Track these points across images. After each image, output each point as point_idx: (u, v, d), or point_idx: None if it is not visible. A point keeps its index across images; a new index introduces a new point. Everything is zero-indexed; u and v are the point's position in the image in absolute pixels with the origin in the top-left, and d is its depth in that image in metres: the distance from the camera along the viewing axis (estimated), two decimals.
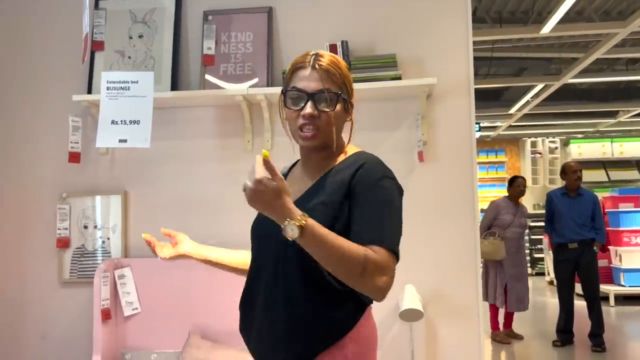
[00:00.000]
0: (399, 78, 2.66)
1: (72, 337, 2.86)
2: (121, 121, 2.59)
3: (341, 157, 1.45)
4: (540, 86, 7.93)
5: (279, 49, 2.87)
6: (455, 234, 2.72)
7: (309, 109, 1.36)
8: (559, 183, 9.29)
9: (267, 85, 2.74)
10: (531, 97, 8.41)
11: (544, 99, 8.36)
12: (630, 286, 7.62)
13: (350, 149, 1.48)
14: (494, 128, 11.08)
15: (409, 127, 2.78)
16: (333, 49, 2.68)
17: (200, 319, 2.69)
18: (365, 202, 1.33)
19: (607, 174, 11.28)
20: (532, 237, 10.90)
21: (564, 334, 5.36)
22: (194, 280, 2.70)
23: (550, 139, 11.91)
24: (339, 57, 1.46)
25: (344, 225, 1.33)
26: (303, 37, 2.85)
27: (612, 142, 11.34)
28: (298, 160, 1.58)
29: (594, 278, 5.26)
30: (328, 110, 1.38)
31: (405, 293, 2.53)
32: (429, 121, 2.74)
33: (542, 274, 10.47)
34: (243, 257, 1.65)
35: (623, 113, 9.70)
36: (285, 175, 1.57)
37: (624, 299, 7.74)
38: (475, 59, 2.81)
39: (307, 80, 1.38)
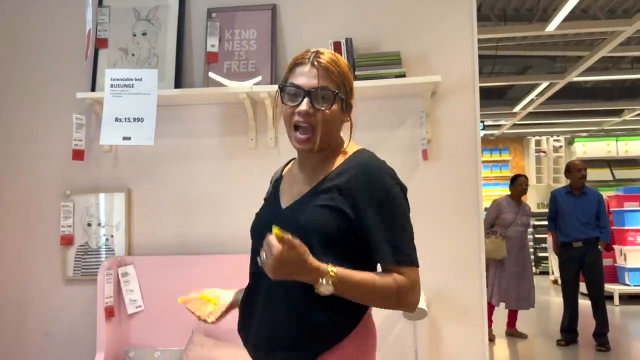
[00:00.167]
0: (403, 75, 2.65)
1: (76, 335, 2.87)
2: (125, 119, 2.59)
3: (340, 158, 1.41)
4: (544, 84, 7.89)
5: (282, 46, 2.86)
6: (460, 232, 2.71)
7: (304, 105, 1.35)
8: (564, 182, 9.26)
9: (271, 83, 2.74)
10: (536, 96, 8.37)
11: (549, 97, 8.32)
12: (634, 285, 7.60)
13: (351, 148, 1.45)
14: (498, 126, 11.04)
15: (413, 125, 2.77)
16: (337, 46, 2.68)
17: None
18: (381, 219, 1.31)
19: (612, 173, 11.23)
20: (536, 236, 10.86)
21: (568, 333, 5.34)
22: (197, 278, 2.69)
23: (555, 137, 11.87)
24: (340, 56, 1.43)
25: (350, 230, 1.32)
26: (307, 35, 2.84)
27: (617, 140, 11.29)
28: (294, 159, 1.56)
29: (598, 277, 5.24)
30: (323, 108, 1.35)
31: None
32: (433, 119, 2.73)
33: (546, 272, 10.44)
34: None
35: (628, 112, 9.65)
36: (281, 174, 1.55)
37: (629, 298, 7.71)
38: (480, 57, 2.80)
39: (305, 77, 1.36)
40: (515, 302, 5.47)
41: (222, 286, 1.53)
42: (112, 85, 2.61)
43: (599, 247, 5.22)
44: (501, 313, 5.82)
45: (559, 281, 5.79)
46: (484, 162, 11.01)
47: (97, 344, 2.60)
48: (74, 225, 2.92)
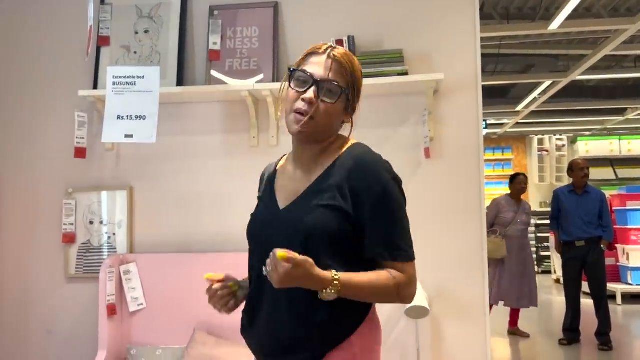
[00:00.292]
0: (406, 73, 2.64)
1: (78, 332, 2.87)
2: (127, 116, 2.59)
3: (335, 153, 1.40)
4: (547, 83, 7.87)
5: (285, 44, 2.85)
6: (462, 231, 2.71)
7: (310, 93, 1.34)
8: (566, 181, 9.24)
9: (273, 81, 2.73)
10: (538, 94, 8.36)
11: (552, 96, 8.30)
12: (637, 284, 7.58)
13: (345, 141, 1.44)
14: (500, 125, 11.02)
15: (415, 123, 2.77)
16: (339, 44, 2.67)
17: (206, 315, 2.68)
18: (377, 215, 1.31)
19: (615, 172, 11.21)
20: (539, 235, 10.85)
21: (571, 332, 5.33)
22: (199, 276, 2.68)
23: (558, 136, 11.84)
24: (356, 59, 1.42)
25: (350, 228, 1.32)
26: (309, 32, 2.83)
27: (619, 139, 11.26)
28: (284, 156, 1.54)
29: (601, 276, 5.22)
30: (328, 101, 1.35)
31: None
32: (435, 117, 2.72)
33: (549, 272, 10.43)
34: None
35: (631, 110, 9.63)
36: (274, 171, 1.51)
37: (631, 298, 7.70)
38: (482, 55, 2.79)
39: (317, 66, 1.36)
40: (516, 301, 5.46)
41: None
42: (114, 83, 2.61)
43: (602, 246, 5.20)
44: (503, 312, 5.82)
45: (562, 280, 5.78)
46: (486, 160, 10.97)
47: (99, 341, 2.60)
48: (76, 223, 2.92)
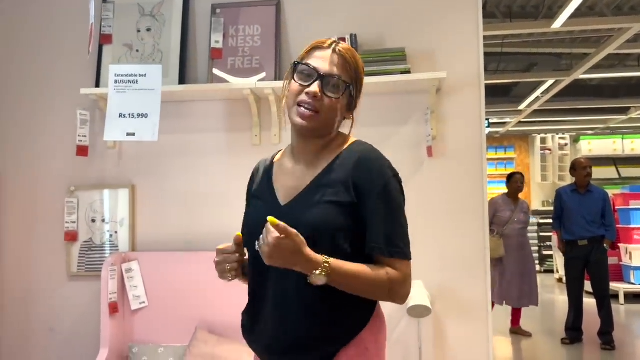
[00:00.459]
0: (408, 72, 2.64)
1: (80, 330, 2.87)
2: (129, 114, 2.59)
3: (337, 150, 1.40)
4: (550, 82, 7.86)
5: (287, 42, 2.85)
6: (464, 230, 2.70)
7: (315, 87, 1.33)
8: (569, 180, 9.21)
9: (275, 79, 2.73)
10: (541, 93, 8.34)
11: (554, 95, 8.29)
12: None
13: (345, 138, 1.43)
14: (503, 124, 11.00)
15: (418, 121, 2.76)
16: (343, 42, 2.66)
17: (208, 314, 2.68)
18: (378, 211, 1.31)
19: (618, 171, 11.18)
20: (541, 234, 10.83)
21: (573, 331, 5.33)
22: (201, 275, 2.69)
23: (560, 135, 11.82)
24: (359, 56, 1.42)
25: (353, 224, 1.31)
26: (312, 31, 2.83)
27: (622, 138, 11.23)
28: (280, 151, 1.53)
29: (603, 275, 5.22)
30: (332, 96, 1.35)
31: (414, 289, 2.51)
32: (438, 116, 2.72)
33: (551, 271, 10.42)
34: None
35: (634, 109, 9.60)
36: (270, 166, 1.49)
37: (634, 297, 7.68)
38: (485, 54, 2.78)
39: (322, 61, 1.36)
40: (517, 300, 5.45)
41: (225, 282, 1.51)
42: (116, 81, 2.61)
43: (605, 245, 5.19)
44: (505, 311, 5.81)
45: (564, 279, 5.76)
46: (489, 159, 10.96)
47: (101, 339, 2.61)
48: (78, 221, 2.92)
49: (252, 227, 1.41)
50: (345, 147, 1.40)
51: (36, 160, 3.00)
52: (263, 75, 2.76)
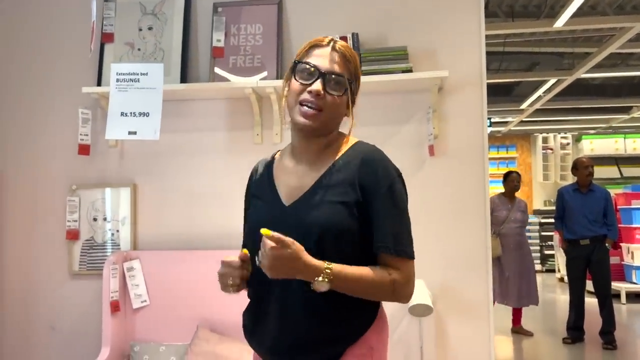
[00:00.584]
0: (410, 70, 2.63)
1: (81, 329, 2.88)
2: (130, 113, 2.59)
3: (339, 150, 1.40)
4: (552, 81, 7.84)
5: (288, 41, 2.85)
6: (466, 229, 2.70)
7: (317, 85, 1.33)
8: (571, 179, 9.18)
9: (277, 78, 2.72)
10: (543, 92, 8.32)
11: (556, 94, 8.27)
12: None
13: (348, 140, 1.43)
14: (505, 123, 10.99)
15: (419, 120, 2.76)
16: (343, 41, 2.65)
17: (209, 312, 2.68)
18: (385, 211, 1.32)
19: (620, 171, 11.16)
20: (543, 233, 10.82)
21: (575, 331, 5.32)
22: (202, 273, 2.68)
23: (562, 134, 11.80)
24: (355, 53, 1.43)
25: (359, 225, 1.32)
26: (313, 29, 2.82)
27: (625, 138, 11.21)
28: (279, 151, 1.52)
29: (605, 275, 5.21)
30: (335, 93, 1.34)
31: (415, 288, 2.51)
32: (440, 115, 2.71)
33: (553, 270, 10.40)
34: None
35: (636, 109, 9.58)
36: (270, 167, 1.48)
37: (636, 297, 7.67)
38: (487, 53, 2.78)
39: (322, 59, 1.36)
40: (516, 300, 5.45)
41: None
42: (117, 80, 2.61)
43: (607, 245, 5.19)
44: (506, 310, 5.81)
45: (565, 279, 5.76)
46: (490, 159, 10.95)
47: (103, 338, 2.61)
48: (80, 220, 2.92)
49: (254, 228, 1.39)
50: (348, 147, 1.40)
51: (38, 159, 3.01)
52: (264, 74, 2.76)
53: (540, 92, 8.28)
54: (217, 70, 2.82)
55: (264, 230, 1.19)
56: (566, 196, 5.34)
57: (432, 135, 2.67)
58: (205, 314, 2.66)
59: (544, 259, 10.80)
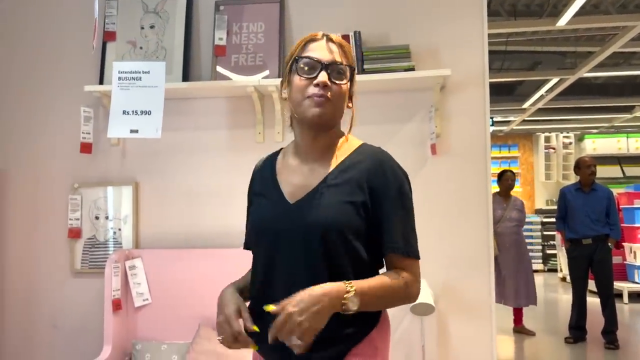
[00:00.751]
0: (412, 69, 2.63)
1: (83, 327, 2.88)
2: (132, 111, 2.59)
3: (345, 150, 1.39)
4: (554, 80, 7.82)
5: (290, 39, 2.84)
6: (468, 228, 2.69)
7: (323, 76, 1.32)
8: (573, 179, 9.18)
9: (279, 77, 2.72)
10: (545, 92, 8.31)
11: (559, 93, 8.26)
12: None
13: (352, 141, 1.43)
14: (507, 123, 10.97)
15: (422, 119, 2.75)
16: (345, 39, 2.63)
17: (211, 311, 2.66)
18: (394, 212, 1.33)
19: (622, 170, 11.14)
20: (545, 233, 10.80)
21: (577, 330, 5.31)
22: (204, 272, 2.69)
23: (565, 134, 11.79)
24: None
25: (365, 225, 1.32)
26: (315, 28, 2.76)
27: (627, 137, 11.20)
28: (281, 150, 1.51)
29: (608, 274, 5.20)
30: (340, 82, 1.35)
31: None
32: (442, 113, 2.71)
33: (555, 270, 10.39)
34: None
35: (639, 108, 9.57)
36: (273, 165, 1.47)
37: (638, 296, 7.66)
38: (489, 52, 2.77)
39: (321, 51, 1.36)
40: (513, 300, 5.44)
41: (233, 278, 1.50)
42: (119, 78, 2.61)
43: (609, 244, 5.18)
44: (508, 310, 5.80)
45: (568, 278, 5.75)
46: (492, 158, 10.93)
47: (105, 336, 2.61)
48: (82, 218, 2.92)
49: (257, 226, 1.40)
50: (354, 149, 1.40)
51: (40, 158, 3.01)
52: (267, 72, 2.76)
53: (542, 91, 8.27)
54: (219, 68, 2.81)
55: (267, 307, 1.17)
56: (568, 196, 5.34)
57: (435, 134, 2.67)
58: (207, 312, 2.66)
59: (546, 258, 10.79)
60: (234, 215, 2.79)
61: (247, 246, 1.49)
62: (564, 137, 11.78)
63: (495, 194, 5.66)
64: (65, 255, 2.94)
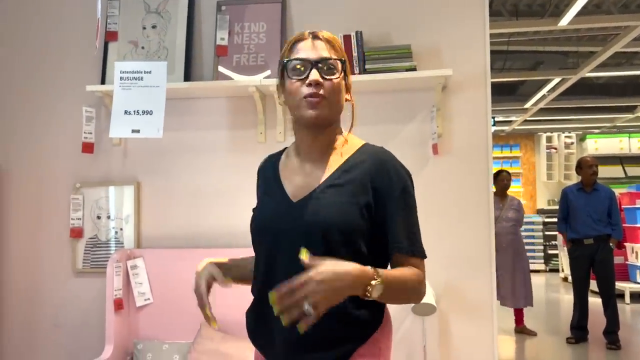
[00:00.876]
0: (414, 69, 2.63)
1: (85, 327, 2.88)
2: (134, 111, 2.59)
3: (347, 149, 1.39)
4: (556, 80, 7.82)
5: None
6: (469, 228, 2.69)
7: (314, 75, 1.32)
8: (575, 179, 9.19)
9: None
10: (547, 92, 8.31)
11: (561, 93, 8.25)
12: None
13: (354, 140, 1.42)
14: (508, 122, 10.97)
15: (423, 119, 2.75)
16: (347, 39, 2.66)
17: (213, 311, 2.68)
18: (399, 212, 1.32)
19: (624, 170, 11.12)
20: (546, 233, 10.79)
21: (578, 330, 5.31)
22: None
23: (566, 134, 11.77)
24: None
25: (368, 225, 1.31)
26: (317, 28, 2.75)
27: (629, 137, 11.18)
28: (284, 150, 1.51)
29: (609, 275, 5.20)
30: (331, 78, 1.34)
31: None
32: (444, 113, 2.71)
33: (556, 270, 10.38)
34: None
35: None
36: (276, 163, 1.47)
37: None
38: (491, 52, 2.77)
39: (308, 50, 1.35)
40: (510, 301, 5.43)
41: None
42: (121, 78, 2.61)
43: (611, 244, 5.17)
44: (509, 310, 5.79)
45: (569, 279, 5.75)
46: (494, 158, 10.91)
47: (106, 336, 2.61)
48: (84, 218, 2.93)
49: (260, 224, 1.40)
50: (356, 149, 1.39)
51: (42, 157, 3.01)
52: (268, 72, 2.76)
53: (544, 91, 8.27)
54: (220, 68, 2.82)
55: (303, 254, 1.12)
56: (570, 196, 5.33)
57: (436, 134, 2.66)
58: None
59: (548, 258, 10.77)
60: (236, 215, 2.79)
61: (252, 244, 1.49)
62: (565, 137, 11.77)
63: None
64: (67, 254, 2.94)
